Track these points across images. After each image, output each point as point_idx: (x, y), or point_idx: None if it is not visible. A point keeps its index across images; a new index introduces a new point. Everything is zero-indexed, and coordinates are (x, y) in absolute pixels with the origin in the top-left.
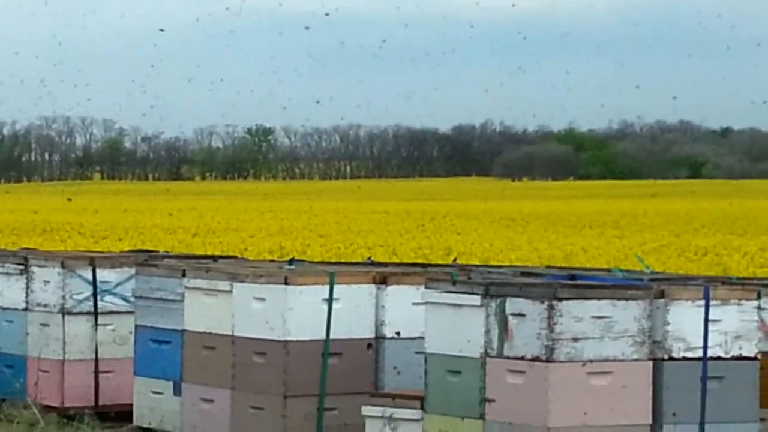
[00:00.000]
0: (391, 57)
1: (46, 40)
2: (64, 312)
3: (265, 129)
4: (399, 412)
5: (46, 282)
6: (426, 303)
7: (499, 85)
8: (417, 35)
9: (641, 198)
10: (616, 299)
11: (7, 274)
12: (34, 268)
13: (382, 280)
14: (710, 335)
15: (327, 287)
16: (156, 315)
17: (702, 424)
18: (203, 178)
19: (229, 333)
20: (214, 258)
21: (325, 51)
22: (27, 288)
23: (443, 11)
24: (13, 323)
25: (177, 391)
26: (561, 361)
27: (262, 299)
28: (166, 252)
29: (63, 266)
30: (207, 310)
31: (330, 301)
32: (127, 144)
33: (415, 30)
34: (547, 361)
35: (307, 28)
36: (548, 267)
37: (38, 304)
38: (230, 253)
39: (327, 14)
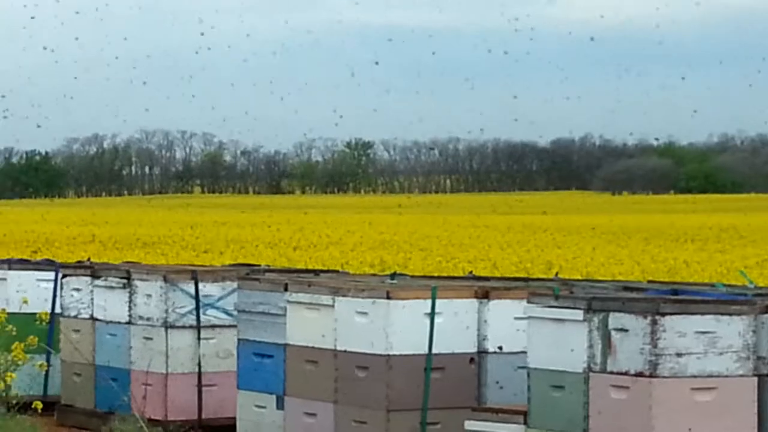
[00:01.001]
0: (488, 71)
1: (146, 51)
2: (167, 326)
3: (364, 143)
4: (502, 427)
5: (149, 296)
6: (528, 318)
7: (599, 98)
8: (513, 49)
9: (743, 212)
10: (720, 314)
11: (111, 287)
12: (137, 282)
13: (485, 295)
14: None
15: (429, 301)
16: (258, 329)
17: None
18: (303, 192)
19: (332, 347)
20: (316, 272)
21: (422, 64)
22: (130, 302)
23: (541, 24)
24: (117, 336)
25: (280, 405)
26: (665, 377)
27: (365, 313)
28: (268, 266)
29: (165, 280)
30: (309, 324)
31: (432, 315)
32: (227, 158)
33: (511, 44)
34: (651, 376)
35: (390, 40)
36: (650, 281)
37: (141, 318)
38: (331, 267)
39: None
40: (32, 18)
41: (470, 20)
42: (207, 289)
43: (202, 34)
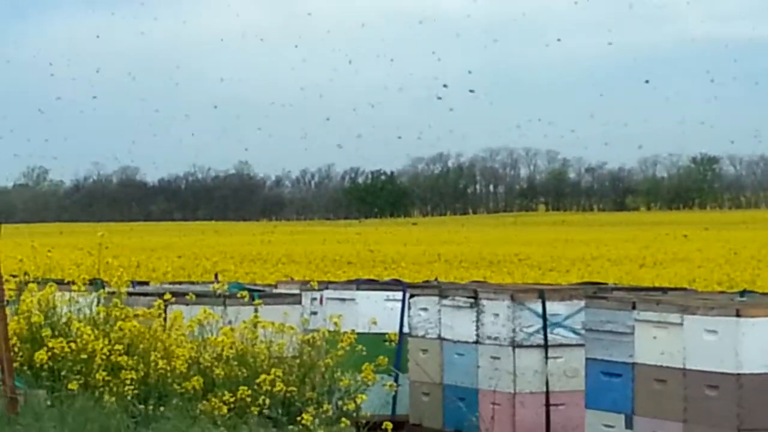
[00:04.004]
0: None
1: (493, 69)
2: (515, 345)
3: (709, 158)
4: None
5: (496, 315)
6: None
7: None
8: None
9: None
10: None
11: (458, 307)
12: (484, 302)
13: None
14: None
15: None
16: (606, 348)
17: None
18: (648, 209)
19: (681, 366)
20: (664, 290)
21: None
22: (477, 321)
23: None
24: (464, 356)
25: (629, 425)
26: None
27: (714, 332)
28: (615, 284)
29: (512, 299)
30: (657, 342)
31: None
32: (571, 175)
33: None
34: None
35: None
36: None
37: (488, 337)
38: (678, 284)
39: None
40: (382, 40)
41: None
42: (554, 307)
43: (548, 45)
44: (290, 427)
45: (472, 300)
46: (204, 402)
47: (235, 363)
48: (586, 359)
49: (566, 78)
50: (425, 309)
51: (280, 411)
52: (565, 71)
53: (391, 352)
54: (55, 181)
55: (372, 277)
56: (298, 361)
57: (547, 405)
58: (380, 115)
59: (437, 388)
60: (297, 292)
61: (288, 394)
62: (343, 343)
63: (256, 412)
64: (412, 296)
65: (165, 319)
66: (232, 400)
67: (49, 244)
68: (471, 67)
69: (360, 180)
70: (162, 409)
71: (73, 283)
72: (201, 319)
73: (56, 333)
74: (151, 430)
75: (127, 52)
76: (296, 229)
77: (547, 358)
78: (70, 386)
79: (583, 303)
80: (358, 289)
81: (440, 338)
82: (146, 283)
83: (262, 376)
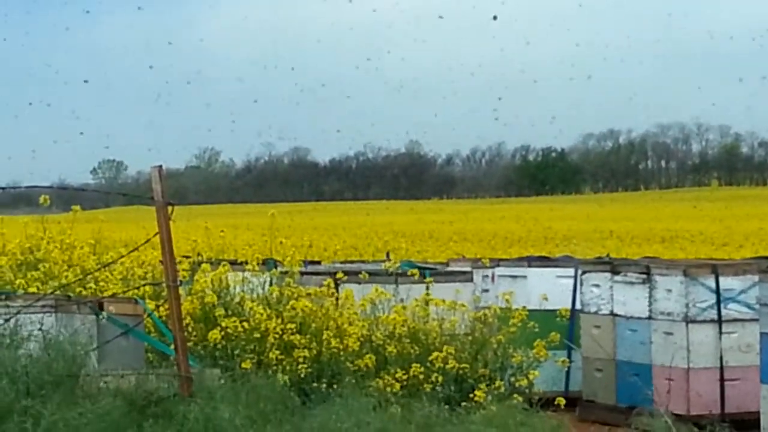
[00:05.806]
0: None
1: (663, 43)
2: (688, 320)
3: None
4: None
5: (669, 290)
6: None
7: None
8: None
9: None
10: None
11: (630, 283)
12: (657, 277)
13: None
14: None
15: None
16: None
17: None
18: None
19: None
20: None
21: None
22: (650, 297)
23: None
24: (637, 332)
25: None
26: None
27: None
28: None
29: (685, 274)
30: None
31: None
32: (744, 149)
33: None
34: None
35: None
36: None
37: (661, 313)
38: None
39: None
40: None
41: None
42: (727, 282)
43: (730, 13)
44: (463, 403)
45: (644, 276)
46: (376, 380)
47: (407, 341)
48: (761, 334)
49: (741, 51)
50: (597, 285)
51: (452, 388)
52: (739, 43)
53: (563, 328)
54: (227, 163)
55: (543, 254)
56: (470, 338)
57: (722, 380)
58: (548, 93)
59: (610, 364)
60: (468, 269)
61: (460, 371)
62: (514, 319)
63: (428, 390)
64: (584, 272)
65: (337, 298)
66: (404, 377)
67: (222, 225)
68: (641, 42)
69: (531, 157)
70: (335, 387)
71: (246, 263)
72: (373, 297)
73: (229, 313)
74: (324, 409)
75: (297, 33)
76: (467, 207)
77: (721, 333)
78: (243, 365)
79: (757, 277)
80: (529, 266)
81: (613, 314)
82: (318, 263)
83: (435, 354)
